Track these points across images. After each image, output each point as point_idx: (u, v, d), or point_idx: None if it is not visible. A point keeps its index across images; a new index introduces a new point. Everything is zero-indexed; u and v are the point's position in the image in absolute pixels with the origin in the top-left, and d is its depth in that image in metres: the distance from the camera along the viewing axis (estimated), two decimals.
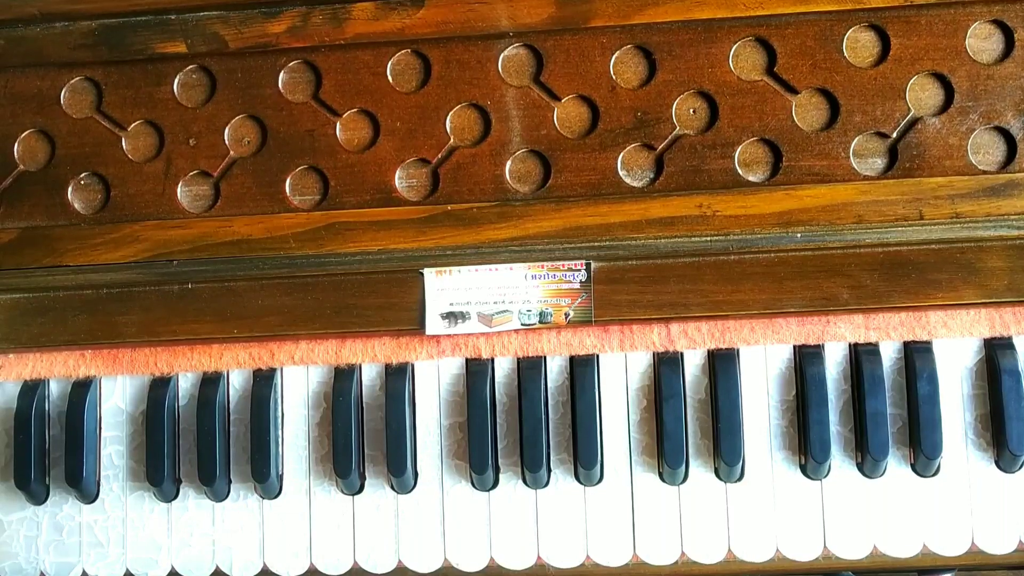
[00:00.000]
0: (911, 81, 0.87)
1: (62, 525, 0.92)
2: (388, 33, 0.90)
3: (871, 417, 0.85)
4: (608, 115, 0.89)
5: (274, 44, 0.91)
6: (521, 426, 0.88)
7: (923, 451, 0.84)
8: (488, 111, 0.90)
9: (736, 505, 0.87)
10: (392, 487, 0.90)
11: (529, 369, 0.89)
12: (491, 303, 0.89)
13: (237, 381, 0.93)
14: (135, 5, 0.91)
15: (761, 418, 0.88)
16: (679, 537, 0.87)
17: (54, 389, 0.94)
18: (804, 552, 0.87)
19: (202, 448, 0.90)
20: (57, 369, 0.93)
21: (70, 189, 0.93)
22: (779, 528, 0.87)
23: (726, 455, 0.86)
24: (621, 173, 0.89)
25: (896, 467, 0.87)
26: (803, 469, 0.87)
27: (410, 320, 0.89)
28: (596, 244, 0.88)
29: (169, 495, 0.91)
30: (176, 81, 0.92)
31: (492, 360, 0.90)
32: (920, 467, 0.86)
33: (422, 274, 0.89)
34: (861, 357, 0.87)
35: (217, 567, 0.91)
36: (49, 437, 0.93)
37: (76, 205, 0.93)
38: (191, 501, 0.92)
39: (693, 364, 0.89)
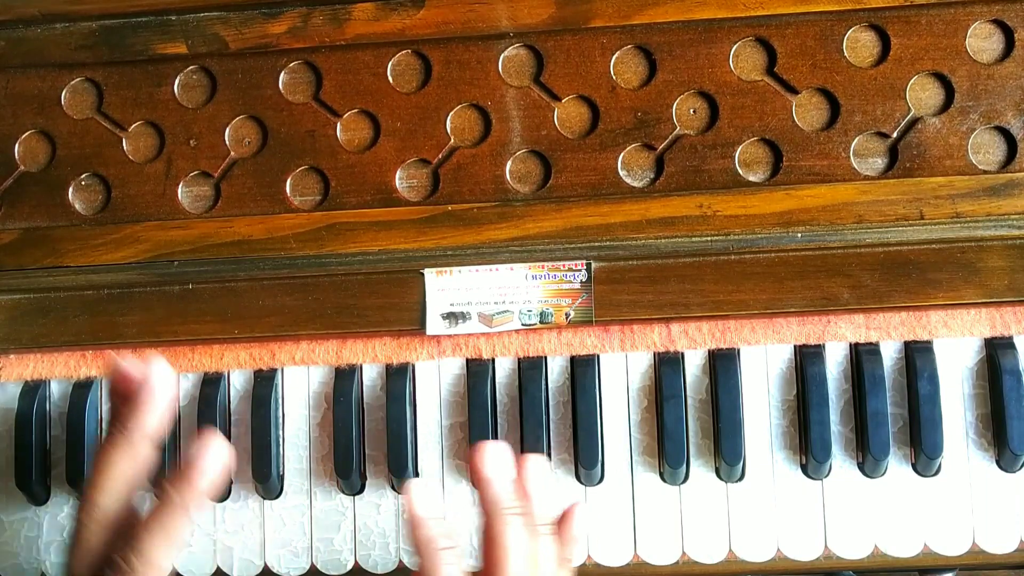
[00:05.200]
0: (911, 81, 0.87)
1: (63, 525, 0.92)
2: (388, 34, 0.90)
3: (872, 417, 0.85)
4: (608, 115, 0.89)
5: (274, 45, 0.91)
6: (522, 426, 0.88)
7: (924, 451, 0.84)
8: (488, 111, 0.90)
9: (737, 505, 0.87)
10: (393, 487, 0.90)
11: (530, 369, 0.89)
12: (492, 303, 0.89)
13: (238, 381, 0.93)
14: (135, 6, 0.91)
15: (762, 418, 0.88)
16: (680, 537, 0.88)
17: (55, 390, 0.94)
18: (805, 552, 0.87)
19: None
20: (58, 370, 0.93)
21: (71, 190, 0.93)
22: (780, 528, 0.87)
23: (727, 455, 0.86)
24: (621, 173, 0.89)
25: (897, 467, 0.87)
26: (804, 469, 0.87)
27: (411, 320, 0.89)
28: (596, 244, 0.88)
29: None
30: (176, 82, 0.93)
31: (493, 360, 0.90)
32: (921, 467, 0.86)
33: (423, 274, 0.89)
34: (862, 357, 0.87)
35: (218, 567, 0.91)
36: (50, 438, 0.93)
37: (77, 206, 0.93)
38: None
39: (694, 364, 0.89)
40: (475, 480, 0.71)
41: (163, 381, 0.70)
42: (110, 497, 0.66)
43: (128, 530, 0.65)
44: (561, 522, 0.75)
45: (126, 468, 0.67)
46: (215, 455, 0.68)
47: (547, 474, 0.72)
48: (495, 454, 0.71)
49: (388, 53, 0.91)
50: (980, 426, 0.87)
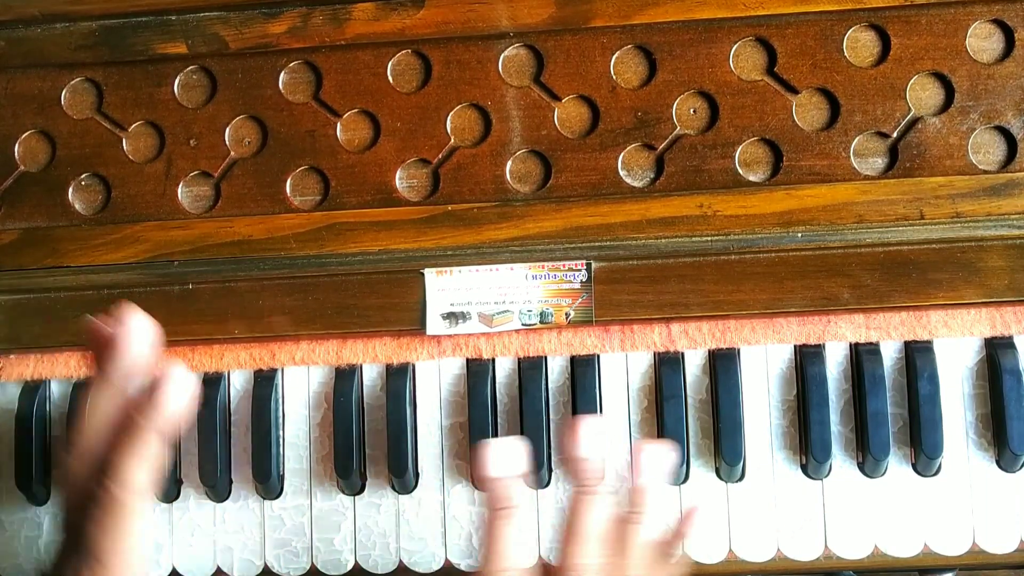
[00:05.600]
0: (911, 81, 0.87)
1: None
2: (388, 33, 0.90)
3: (872, 417, 0.85)
4: (608, 115, 0.89)
5: (274, 45, 0.91)
6: (522, 426, 0.88)
7: (924, 451, 0.84)
8: (488, 111, 0.90)
9: (737, 505, 0.87)
10: (393, 487, 0.90)
11: (530, 369, 0.89)
12: (492, 303, 0.89)
13: (238, 382, 0.93)
14: (136, 6, 0.91)
15: (762, 418, 0.88)
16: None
17: (55, 390, 0.94)
18: (805, 552, 0.87)
19: (203, 448, 0.90)
20: (58, 370, 0.93)
21: (71, 190, 0.93)
22: (780, 528, 0.87)
23: (727, 455, 0.86)
24: (622, 173, 0.89)
25: (897, 467, 0.87)
26: (804, 469, 0.87)
27: (411, 320, 0.89)
28: (597, 244, 0.88)
29: (170, 495, 0.92)
30: (176, 82, 0.93)
31: (493, 360, 0.90)
32: (921, 467, 0.86)
33: (423, 274, 0.89)
34: (862, 357, 0.87)
35: (218, 567, 0.91)
36: (50, 438, 0.93)
37: (77, 206, 0.93)
38: (192, 501, 0.92)
39: (694, 364, 0.89)
40: (564, 456, 0.72)
41: (138, 326, 0.70)
42: (91, 436, 0.68)
43: (104, 463, 0.66)
44: (681, 518, 0.76)
45: (104, 406, 0.69)
46: (179, 380, 0.68)
47: (667, 465, 0.73)
48: (589, 432, 0.71)
49: (388, 53, 0.91)
50: (980, 426, 0.87)
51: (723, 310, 0.87)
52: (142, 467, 0.66)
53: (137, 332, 0.70)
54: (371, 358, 0.91)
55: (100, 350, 0.70)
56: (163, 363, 0.70)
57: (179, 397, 0.68)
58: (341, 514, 0.90)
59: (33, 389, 0.93)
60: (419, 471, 0.90)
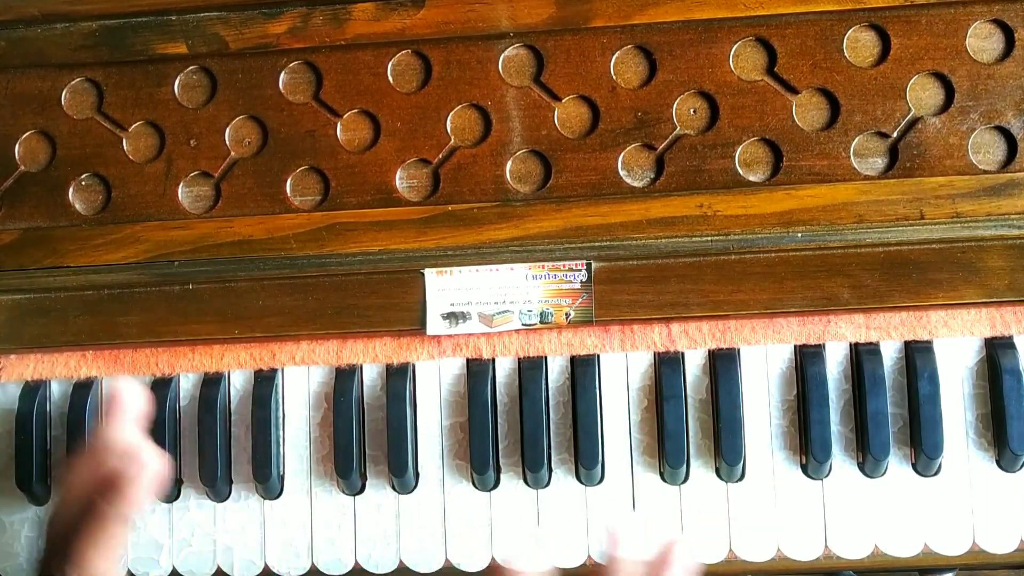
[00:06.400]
0: (911, 81, 0.87)
1: None
2: (388, 34, 0.91)
3: (872, 417, 0.85)
4: (608, 115, 0.89)
5: (275, 45, 0.91)
6: (522, 426, 0.88)
7: (924, 451, 0.84)
8: (489, 111, 0.90)
9: (737, 505, 0.87)
10: (393, 487, 0.90)
11: (530, 369, 0.89)
12: (492, 303, 0.89)
13: (238, 382, 0.93)
14: (136, 6, 0.91)
15: (762, 418, 0.88)
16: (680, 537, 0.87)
17: (55, 390, 0.94)
18: (805, 552, 0.87)
19: (203, 448, 0.90)
20: (58, 370, 0.93)
21: (71, 190, 0.93)
22: (780, 527, 0.87)
23: (727, 455, 0.86)
24: (622, 173, 0.89)
25: (897, 466, 0.87)
26: (804, 469, 0.87)
27: (411, 320, 0.89)
28: (597, 244, 0.88)
29: (170, 495, 0.92)
30: (177, 82, 0.93)
31: (493, 360, 0.90)
32: (921, 467, 0.86)
33: (423, 274, 0.89)
34: (862, 357, 0.87)
35: (218, 567, 0.91)
36: (50, 438, 0.93)
37: (77, 206, 0.93)
38: (192, 501, 0.92)
39: (694, 364, 0.89)
40: (608, 553, 0.70)
41: (129, 398, 0.70)
42: (64, 508, 0.67)
43: (67, 550, 0.66)
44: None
45: (81, 478, 0.68)
46: (149, 465, 0.67)
47: (693, 559, 0.71)
48: (628, 535, 0.69)
49: (388, 53, 0.91)
50: (980, 426, 0.87)
51: (723, 310, 0.87)
52: (102, 556, 0.65)
53: (128, 404, 0.68)
54: (371, 358, 0.91)
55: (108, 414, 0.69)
56: (137, 441, 0.68)
57: (150, 481, 0.67)
58: (341, 514, 0.90)
59: (33, 389, 0.93)
60: (419, 471, 0.90)
